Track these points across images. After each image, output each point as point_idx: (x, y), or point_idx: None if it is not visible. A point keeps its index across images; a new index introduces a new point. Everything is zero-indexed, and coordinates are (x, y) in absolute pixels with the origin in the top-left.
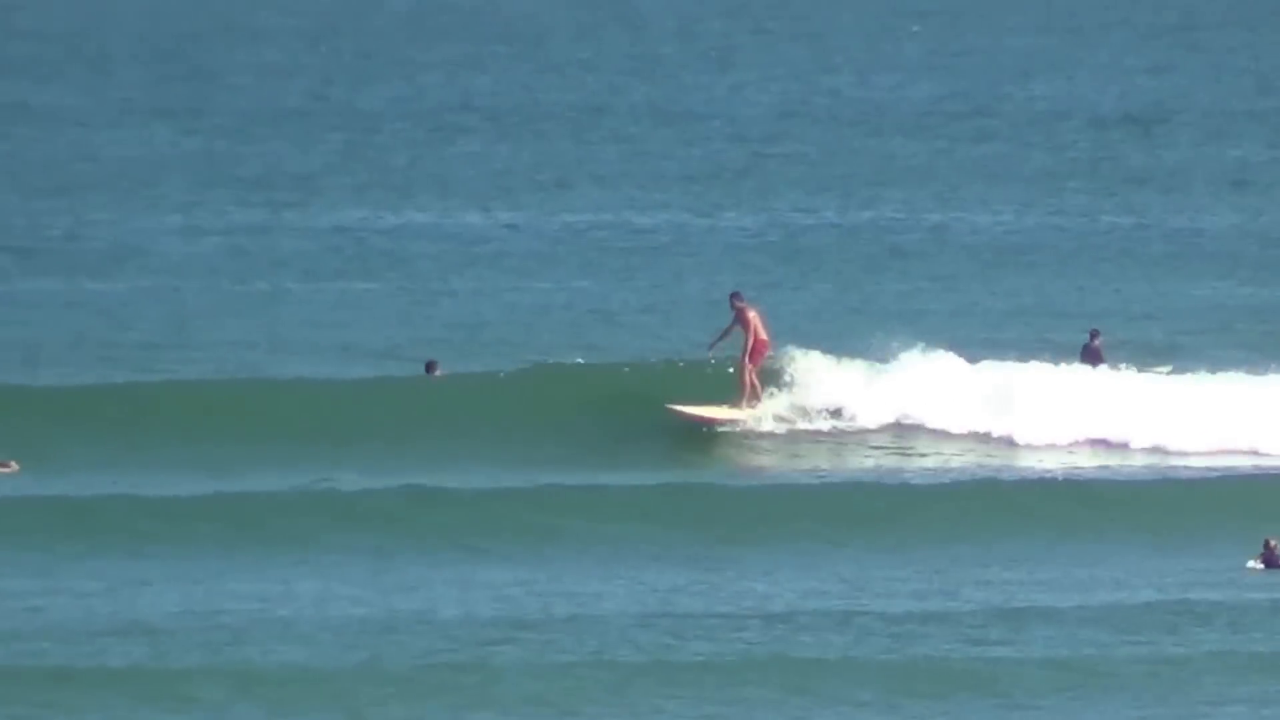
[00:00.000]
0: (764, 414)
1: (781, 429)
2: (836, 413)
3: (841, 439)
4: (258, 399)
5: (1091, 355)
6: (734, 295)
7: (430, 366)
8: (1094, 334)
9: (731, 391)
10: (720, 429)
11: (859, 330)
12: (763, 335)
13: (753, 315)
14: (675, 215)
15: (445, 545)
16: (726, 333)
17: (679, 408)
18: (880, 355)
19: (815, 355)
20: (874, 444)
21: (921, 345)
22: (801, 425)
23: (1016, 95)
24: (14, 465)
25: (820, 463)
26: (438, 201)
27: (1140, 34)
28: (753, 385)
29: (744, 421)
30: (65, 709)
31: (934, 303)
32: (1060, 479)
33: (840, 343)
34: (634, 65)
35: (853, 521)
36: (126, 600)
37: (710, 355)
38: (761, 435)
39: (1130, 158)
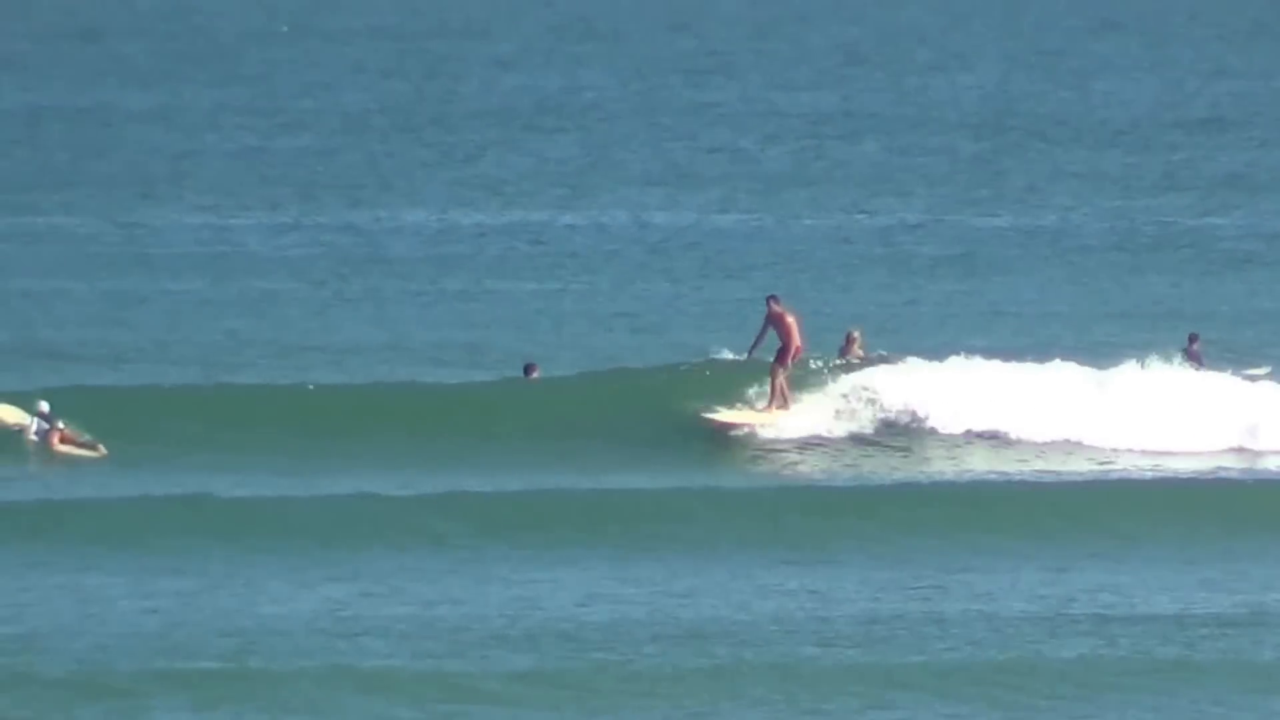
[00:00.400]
0: (798, 416)
1: (864, 432)
2: (925, 416)
3: (936, 443)
4: (352, 402)
5: (1191, 359)
6: (771, 298)
7: (529, 369)
8: (1193, 338)
9: (795, 392)
10: (758, 429)
11: (938, 333)
12: (798, 341)
13: (791, 320)
14: (755, 216)
15: (550, 546)
16: (761, 336)
17: (712, 416)
18: (976, 357)
19: (903, 358)
20: (976, 448)
21: (1014, 348)
22: (890, 428)
23: (1103, 97)
24: (101, 449)
25: (915, 465)
26: (518, 201)
27: (1224, 34)
28: (781, 389)
29: (774, 424)
30: (161, 710)
31: (1021, 306)
32: (1149, 479)
33: (926, 345)
34: (711, 65)
35: (971, 522)
36: (237, 602)
37: (747, 359)
38: (848, 439)
39: (1217, 159)
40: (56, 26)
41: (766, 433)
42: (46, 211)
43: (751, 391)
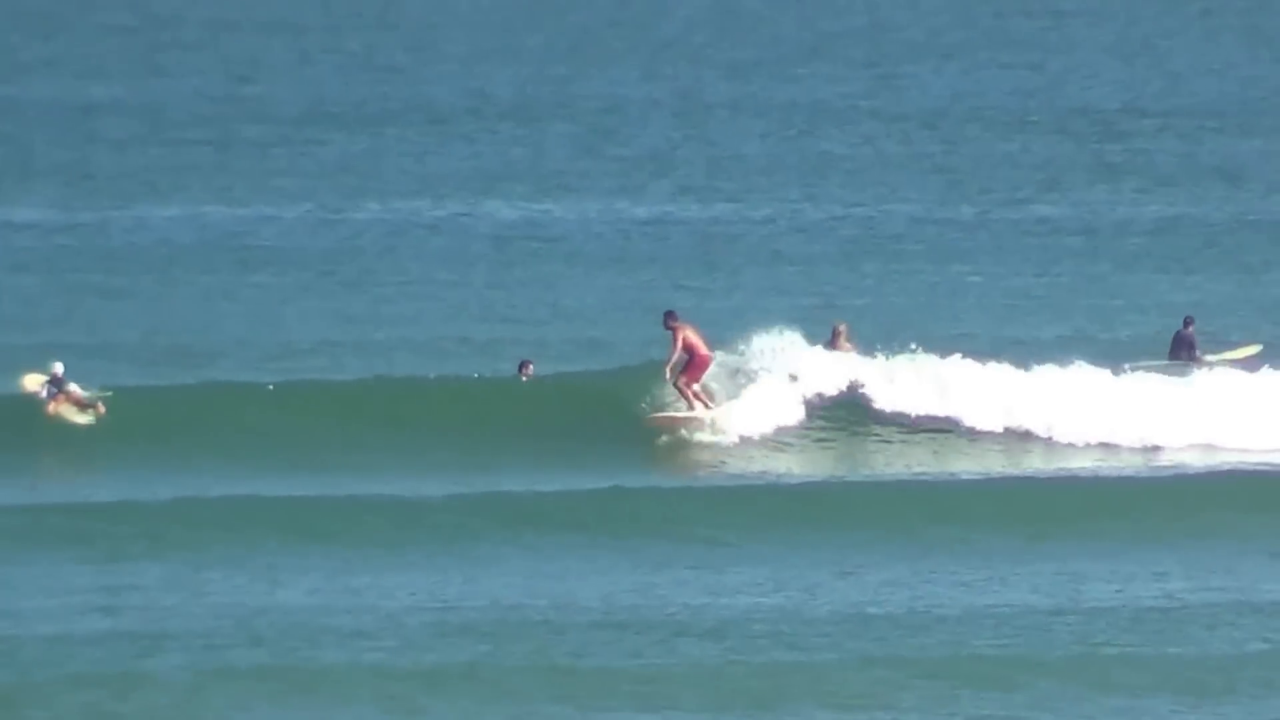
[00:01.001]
0: (792, 413)
1: (855, 427)
2: (910, 410)
3: (925, 438)
4: (344, 399)
5: (1184, 342)
6: (668, 315)
7: (523, 366)
8: (1187, 321)
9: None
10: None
11: (918, 325)
12: (703, 351)
13: (686, 334)
14: (748, 211)
15: (546, 543)
16: (693, 351)
17: (658, 416)
18: (1014, 358)
19: (925, 357)
20: (960, 442)
21: (991, 339)
22: (875, 421)
23: (1098, 90)
24: (101, 408)
25: (898, 459)
26: (510, 196)
27: (1215, 28)
28: (696, 395)
29: (712, 417)
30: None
31: (997, 296)
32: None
33: (904, 338)
34: (707, 60)
35: (954, 516)
36: (231, 600)
37: (669, 380)
38: (841, 434)
39: (1184, 148)
40: (16, 16)
41: (759, 430)
42: (12, 205)
43: (737, 384)
